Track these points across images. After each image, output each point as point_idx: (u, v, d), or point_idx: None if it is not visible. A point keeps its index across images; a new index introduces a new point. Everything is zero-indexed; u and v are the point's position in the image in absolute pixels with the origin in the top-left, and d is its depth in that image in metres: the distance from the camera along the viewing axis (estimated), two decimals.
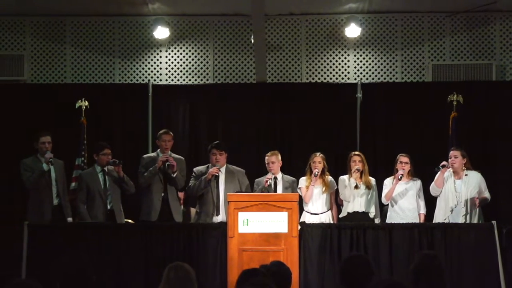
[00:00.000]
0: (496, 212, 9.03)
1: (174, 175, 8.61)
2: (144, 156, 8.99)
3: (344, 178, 8.65)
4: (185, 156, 9.43)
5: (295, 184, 8.71)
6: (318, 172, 8.52)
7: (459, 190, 8.30)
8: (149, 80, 10.63)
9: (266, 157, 8.73)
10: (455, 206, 8.28)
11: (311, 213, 8.58)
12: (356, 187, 8.55)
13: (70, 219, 8.63)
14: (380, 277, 4.29)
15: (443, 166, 8.36)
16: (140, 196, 8.77)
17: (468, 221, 8.19)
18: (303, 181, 8.68)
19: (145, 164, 8.75)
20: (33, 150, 8.75)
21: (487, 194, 8.38)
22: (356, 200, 8.56)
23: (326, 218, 8.56)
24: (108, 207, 8.57)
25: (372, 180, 8.68)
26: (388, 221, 8.51)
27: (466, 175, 8.35)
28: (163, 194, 8.68)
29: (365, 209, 8.56)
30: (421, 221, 8.46)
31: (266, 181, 8.47)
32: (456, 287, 7.67)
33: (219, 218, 8.29)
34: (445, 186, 8.38)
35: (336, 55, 10.70)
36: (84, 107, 9.33)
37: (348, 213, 8.56)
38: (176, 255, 7.67)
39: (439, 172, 8.40)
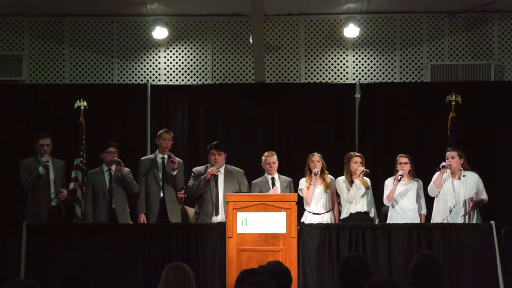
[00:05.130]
0: (494, 212, 9.03)
1: (174, 173, 8.63)
2: (142, 158, 8.99)
3: (343, 179, 8.63)
4: (183, 156, 9.45)
5: (292, 184, 8.73)
6: (318, 171, 8.52)
7: (457, 190, 8.31)
8: (147, 80, 10.63)
9: (266, 158, 8.72)
10: (454, 206, 8.29)
11: (314, 213, 8.59)
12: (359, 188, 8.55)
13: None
14: (376, 277, 4.28)
15: (443, 167, 8.37)
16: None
17: (467, 221, 8.20)
18: (303, 182, 8.68)
19: (142, 167, 8.78)
20: (33, 150, 8.76)
21: (484, 195, 8.37)
22: (358, 200, 8.56)
23: (328, 218, 8.57)
24: (112, 206, 8.59)
25: (368, 181, 8.68)
26: (389, 221, 8.50)
27: (464, 175, 8.36)
28: (161, 195, 8.70)
29: (366, 210, 8.56)
30: (422, 222, 8.47)
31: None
32: (454, 287, 7.68)
33: (218, 218, 8.29)
34: (443, 186, 8.38)
35: (335, 55, 10.70)
36: (83, 107, 9.32)
37: (350, 213, 8.55)
38: (175, 255, 7.68)
39: (437, 173, 8.40)
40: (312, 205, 8.60)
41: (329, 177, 8.69)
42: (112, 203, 8.60)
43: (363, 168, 8.53)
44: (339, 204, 8.78)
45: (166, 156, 8.79)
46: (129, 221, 8.72)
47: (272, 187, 8.56)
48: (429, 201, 8.59)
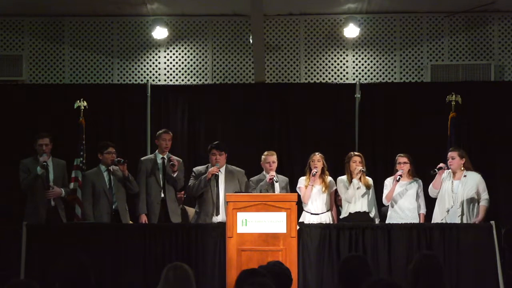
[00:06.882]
0: (494, 212, 9.02)
1: (175, 175, 8.63)
2: (142, 158, 8.98)
3: (343, 178, 8.64)
4: (183, 156, 9.45)
5: (288, 184, 8.73)
6: (316, 172, 8.52)
7: (456, 191, 8.30)
8: (147, 80, 10.63)
9: (266, 157, 8.71)
10: (451, 207, 8.28)
11: (311, 213, 8.58)
12: (358, 187, 8.55)
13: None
14: (374, 277, 4.28)
15: (440, 168, 8.37)
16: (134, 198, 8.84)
17: (464, 222, 8.20)
18: (302, 180, 8.68)
19: (143, 167, 8.78)
20: (33, 150, 8.76)
21: (484, 196, 8.31)
22: (358, 200, 8.57)
23: (326, 218, 8.56)
24: (113, 206, 8.58)
25: (370, 180, 8.69)
26: (388, 221, 8.52)
27: (464, 176, 8.35)
28: (162, 196, 8.70)
29: (366, 209, 8.57)
30: (421, 221, 8.48)
31: (271, 178, 8.46)
32: (454, 287, 7.68)
33: (219, 218, 8.29)
34: (443, 186, 8.38)
35: (335, 55, 10.70)
36: (83, 107, 9.32)
37: (350, 213, 8.56)
38: (175, 255, 7.68)
39: (437, 174, 8.41)
40: (309, 204, 8.60)
41: (328, 178, 8.68)
42: (114, 202, 8.60)
43: (361, 167, 8.53)
44: (339, 205, 8.79)
45: (166, 157, 8.79)
46: (129, 221, 8.72)
47: (271, 187, 8.54)
48: (430, 201, 8.59)
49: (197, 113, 10.52)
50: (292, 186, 8.92)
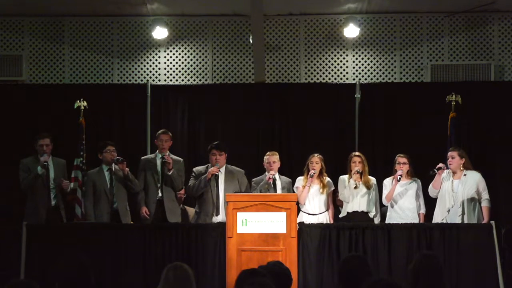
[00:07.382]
0: (494, 212, 9.01)
1: (170, 173, 8.63)
2: (142, 158, 9.00)
3: (344, 178, 8.67)
4: (184, 156, 9.44)
5: (291, 185, 8.73)
6: (313, 173, 8.52)
7: (456, 190, 8.31)
8: (147, 80, 10.63)
9: (267, 157, 8.73)
10: (452, 207, 8.29)
11: (309, 214, 8.58)
12: (356, 187, 8.55)
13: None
14: (374, 277, 4.28)
15: (439, 168, 8.38)
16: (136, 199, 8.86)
17: (465, 221, 8.20)
18: (300, 181, 8.69)
19: (142, 166, 8.80)
20: (33, 150, 8.76)
21: (485, 196, 8.32)
22: (356, 200, 8.57)
23: (324, 218, 8.57)
24: (114, 206, 8.58)
25: (373, 180, 8.68)
26: (387, 221, 8.52)
27: (464, 175, 8.36)
28: (159, 195, 8.70)
29: (364, 209, 8.57)
30: (421, 221, 8.49)
31: (270, 178, 8.45)
32: (454, 287, 7.68)
33: (219, 218, 8.29)
34: (443, 186, 8.39)
35: (335, 55, 10.70)
36: (83, 108, 9.32)
37: (347, 213, 8.58)
38: (175, 255, 7.68)
39: (436, 174, 8.41)
40: (306, 205, 8.61)
41: (326, 179, 8.69)
42: (114, 202, 8.60)
43: (357, 168, 8.55)
44: (339, 205, 8.79)
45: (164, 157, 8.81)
46: (129, 221, 8.72)
47: (273, 187, 8.54)
48: (430, 201, 8.60)
49: (197, 113, 10.52)
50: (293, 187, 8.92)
